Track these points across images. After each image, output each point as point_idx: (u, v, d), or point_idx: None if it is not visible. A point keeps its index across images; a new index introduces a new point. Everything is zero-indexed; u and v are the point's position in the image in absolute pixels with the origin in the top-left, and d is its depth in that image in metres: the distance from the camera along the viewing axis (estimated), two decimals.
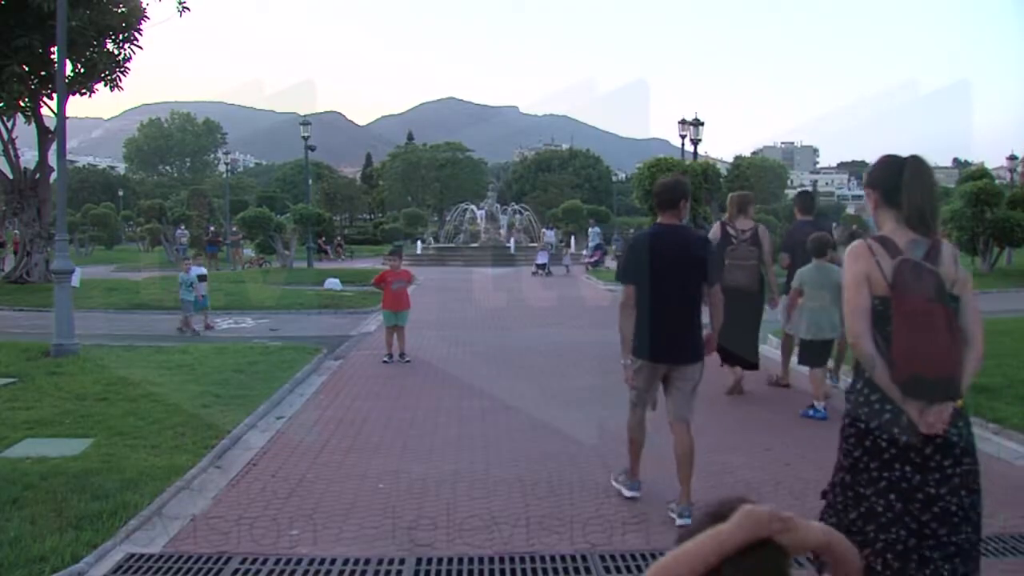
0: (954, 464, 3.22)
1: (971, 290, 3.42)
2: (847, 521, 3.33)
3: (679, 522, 5.08)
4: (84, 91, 22.66)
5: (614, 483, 5.79)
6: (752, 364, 9.08)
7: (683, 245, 5.29)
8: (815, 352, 8.35)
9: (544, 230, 40.51)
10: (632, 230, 39.69)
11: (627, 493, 5.64)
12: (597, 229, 37.84)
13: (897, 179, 3.46)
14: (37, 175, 23.42)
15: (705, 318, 5.46)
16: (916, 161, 3.47)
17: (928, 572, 3.18)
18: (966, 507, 3.21)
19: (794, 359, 9.13)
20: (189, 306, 14.94)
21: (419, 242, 46.42)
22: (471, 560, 4.68)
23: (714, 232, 8.98)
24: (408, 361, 11.28)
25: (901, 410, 3.24)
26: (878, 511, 3.28)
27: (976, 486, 3.26)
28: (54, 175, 21.53)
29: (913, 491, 3.22)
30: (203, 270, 15.91)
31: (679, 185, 5.42)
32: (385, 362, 11.25)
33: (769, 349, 11.07)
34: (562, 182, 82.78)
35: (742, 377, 9.03)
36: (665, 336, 5.22)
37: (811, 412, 8.11)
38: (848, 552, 1.74)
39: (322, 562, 4.64)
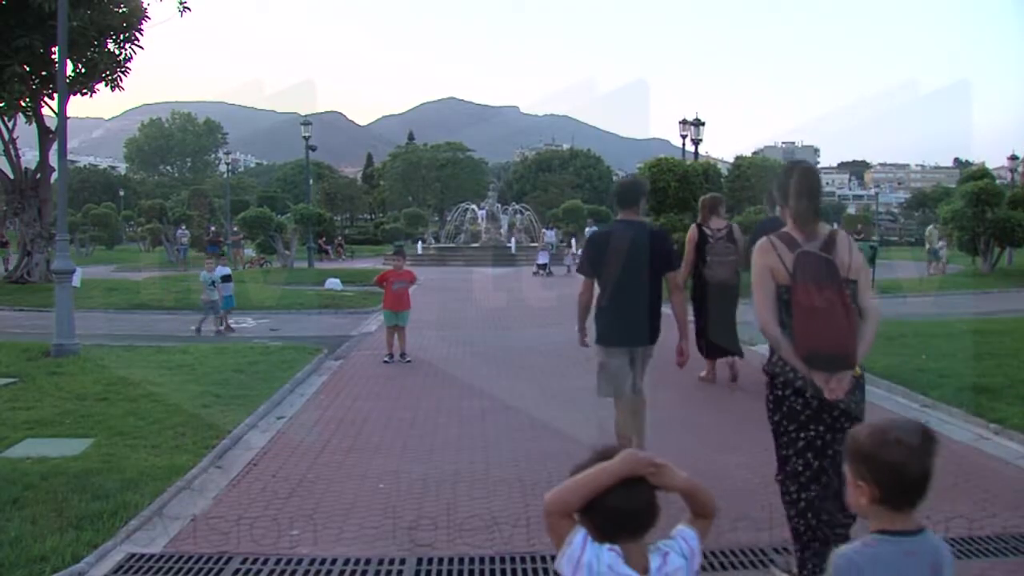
0: (854, 424, 3.53)
1: (865, 273, 3.99)
2: (791, 486, 3.89)
3: None
4: (85, 91, 22.69)
5: None
6: (737, 352, 9.35)
7: (643, 238, 5.73)
8: None
9: (544, 230, 40.49)
10: None
11: None
12: (595, 229, 37.69)
13: (789, 183, 4.03)
14: (38, 175, 23.44)
15: (690, 315, 5.66)
16: (801, 170, 4.11)
17: (838, 531, 3.73)
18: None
19: None
20: (213, 306, 14.78)
21: (420, 242, 46.43)
22: (472, 560, 4.68)
23: (691, 233, 9.42)
24: (409, 361, 11.28)
25: (809, 380, 3.78)
26: (799, 471, 3.91)
27: None
28: (55, 175, 21.54)
29: (825, 448, 3.85)
30: (228, 270, 15.74)
31: (637, 185, 5.99)
32: (386, 362, 11.24)
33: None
34: (563, 182, 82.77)
35: (733, 363, 9.40)
36: (631, 322, 5.69)
37: None
38: (708, 498, 2.20)
39: (323, 562, 4.64)
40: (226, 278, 15.12)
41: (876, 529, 2.26)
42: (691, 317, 8.90)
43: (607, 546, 2.04)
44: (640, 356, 5.90)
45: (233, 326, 15.26)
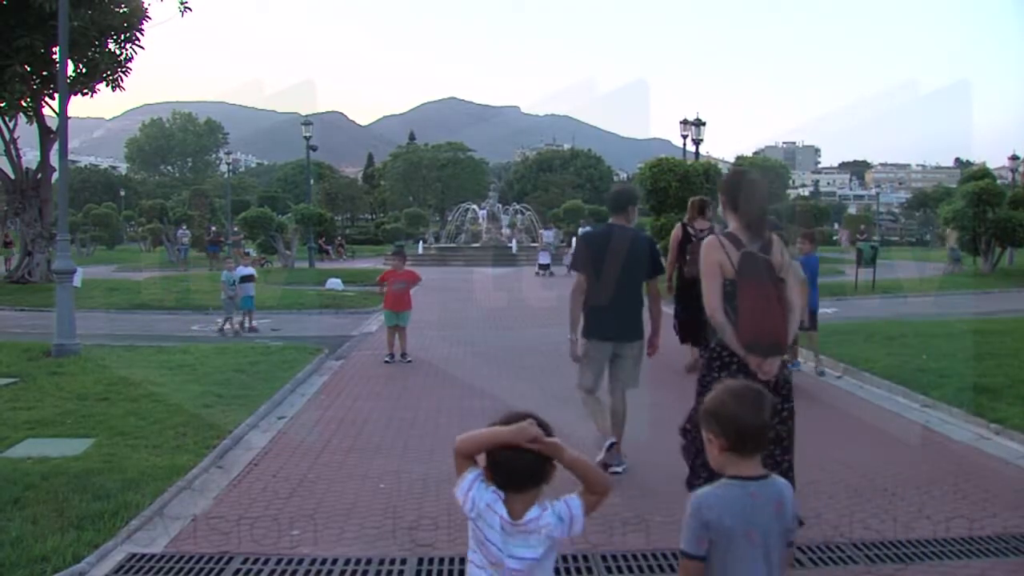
0: (782, 401, 4.40)
1: (794, 270, 4.67)
2: (701, 452, 3.84)
3: (612, 469, 6.02)
4: (86, 91, 22.70)
5: (613, 467, 6.16)
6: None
7: (631, 243, 6.12)
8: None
9: (542, 231, 40.40)
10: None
11: (616, 469, 6.16)
12: (588, 229, 37.16)
13: (736, 189, 4.57)
14: (39, 175, 23.44)
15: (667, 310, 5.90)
16: (750, 181, 4.62)
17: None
18: (789, 433, 4.50)
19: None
20: (231, 306, 14.74)
21: (421, 242, 46.41)
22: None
23: (676, 232, 10.06)
24: (409, 361, 11.28)
25: (744, 361, 4.39)
26: None
27: (792, 421, 4.53)
28: (56, 175, 21.56)
29: None
30: (250, 270, 15.51)
31: (628, 193, 6.47)
32: (387, 362, 11.25)
33: None
34: (563, 182, 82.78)
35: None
36: (613, 318, 6.05)
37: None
38: (597, 478, 2.60)
39: (323, 562, 4.64)
40: (247, 278, 14.96)
41: (727, 475, 2.67)
42: (672, 309, 9.99)
43: (492, 488, 2.51)
44: (626, 353, 6.25)
45: (256, 326, 15.04)
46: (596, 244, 6.24)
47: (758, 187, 4.62)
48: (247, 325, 14.90)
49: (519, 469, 2.49)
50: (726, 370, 4.42)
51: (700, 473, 4.39)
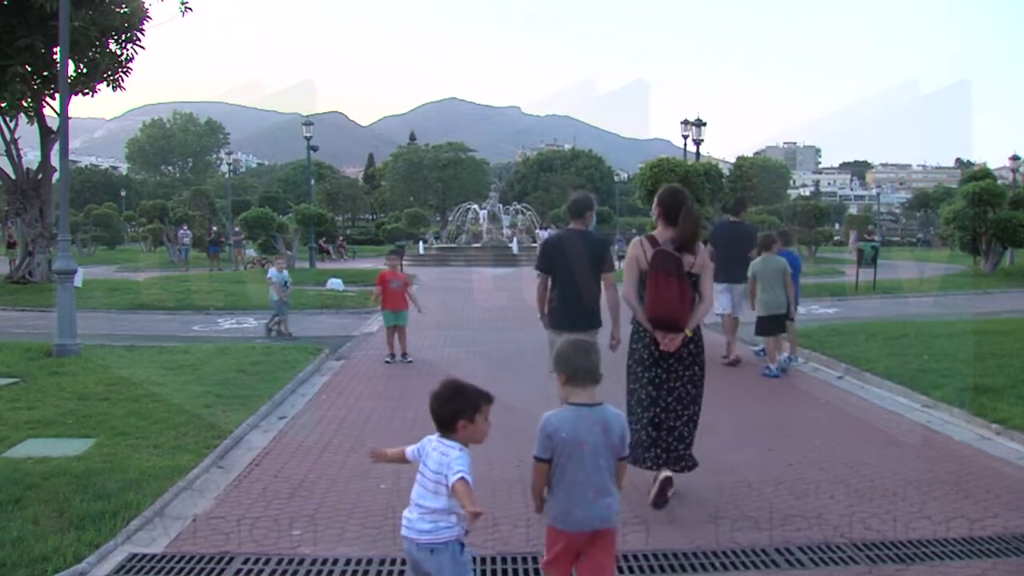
0: (685, 369, 5.58)
1: (708, 269, 5.68)
2: (636, 409, 5.60)
3: None
4: (86, 91, 22.67)
5: None
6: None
7: (587, 245, 6.78)
8: (770, 325, 10.33)
9: (538, 231, 40.30)
10: (634, 230, 39.54)
11: None
12: (544, 233, 35.31)
13: (675, 208, 5.60)
14: (39, 175, 23.41)
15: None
16: (688, 208, 5.60)
17: (673, 436, 5.57)
18: (692, 395, 5.63)
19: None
20: (282, 307, 14.04)
21: (422, 242, 46.41)
22: (474, 560, 4.67)
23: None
24: (410, 361, 11.29)
25: (652, 336, 5.54)
26: (643, 398, 5.60)
27: (699, 384, 5.66)
28: (56, 175, 21.55)
29: (662, 384, 5.57)
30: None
31: (587, 199, 7.03)
32: (387, 362, 11.28)
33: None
34: (564, 182, 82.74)
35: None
36: (574, 310, 6.74)
37: (766, 371, 10.22)
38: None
39: (324, 562, 4.64)
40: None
41: (568, 403, 3.62)
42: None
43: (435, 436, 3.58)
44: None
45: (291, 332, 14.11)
46: (554, 247, 6.99)
47: (694, 213, 5.68)
48: (285, 330, 14.22)
49: (439, 415, 3.56)
50: (640, 341, 5.66)
51: (633, 448, 5.11)
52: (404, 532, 3.48)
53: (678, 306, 5.42)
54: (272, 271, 14.44)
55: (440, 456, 3.47)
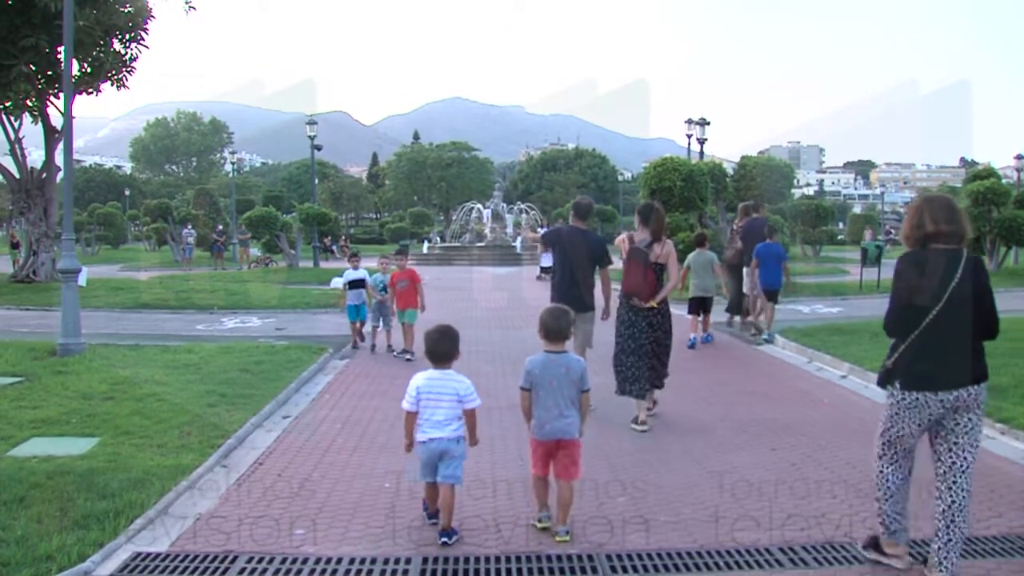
0: (658, 328, 7.83)
1: (673, 258, 7.84)
2: (621, 355, 7.86)
3: None
4: (91, 91, 22.73)
5: None
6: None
7: (585, 242, 8.38)
8: (697, 305, 12.95)
9: (540, 229, 40.13)
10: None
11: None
12: (548, 228, 31.83)
13: (646, 214, 7.90)
14: (44, 175, 23.47)
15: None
16: (656, 213, 7.89)
17: (651, 373, 7.81)
18: (665, 343, 7.96)
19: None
20: (386, 313, 12.24)
21: (425, 241, 46.37)
22: (477, 560, 4.68)
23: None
24: (408, 360, 11.29)
25: (631, 302, 7.78)
26: (629, 345, 7.80)
27: (669, 334, 8.00)
28: (60, 174, 21.58)
29: (642, 334, 7.77)
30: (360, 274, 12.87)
31: (591, 206, 8.80)
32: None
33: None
34: (568, 181, 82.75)
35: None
36: (573, 294, 8.12)
37: (690, 342, 12.53)
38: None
39: (328, 561, 4.65)
40: (359, 283, 12.50)
41: (544, 350, 5.16)
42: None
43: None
44: (580, 320, 8.07)
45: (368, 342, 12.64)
46: (558, 237, 8.60)
47: (662, 217, 8.00)
48: (362, 336, 12.75)
49: (436, 352, 5.09)
50: (624, 305, 7.93)
51: (621, 382, 7.91)
52: (433, 436, 4.93)
53: (642, 283, 7.73)
54: (376, 275, 12.52)
55: (455, 384, 4.98)
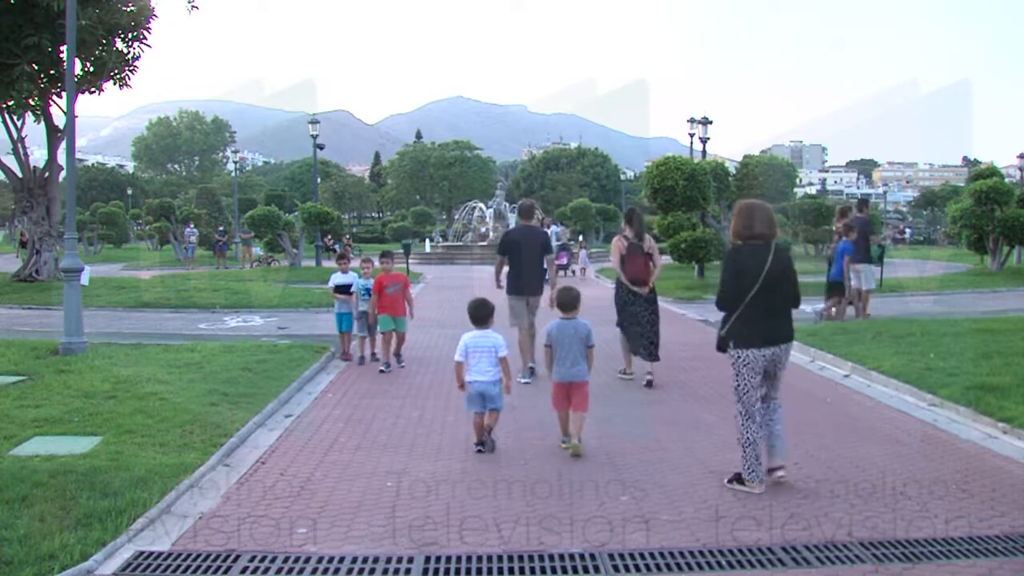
0: (648, 307, 9.80)
1: (655, 250, 9.86)
2: (625, 326, 9.98)
3: (523, 380, 9.80)
4: (93, 90, 22.73)
5: (519, 380, 9.65)
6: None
7: (534, 236, 10.56)
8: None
9: (553, 226, 39.92)
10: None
11: (523, 380, 9.77)
12: (556, 228, 33.70)
13: (630, 217, 10.01)
14: (46, 174, 23.48)
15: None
16: (638, 217, 9.99)
17: (645, 343, 9.72)
18: (654, 320, 9.83)
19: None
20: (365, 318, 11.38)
21: (428, 241, 46.36)
22: (480, 559, 4.68)
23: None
24: (402, 365, 11.01)
25: (629, 287, 9.78)
26: (626, 323, 9.92)
27: (657, 314, 9.89)
28: (63, 173, 21.58)
29: (638, 314, 9.77)
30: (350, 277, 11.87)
31: (533, 206, 11.25)
32: (383, 372, 10.64)
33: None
34: (570, 180, 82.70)
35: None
36: (525, 281, 10.30)
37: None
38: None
39: (330, 560, 4.65)
40: (346, 288, 11.62)
41: (559, 318, 7.00)
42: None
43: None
44: (533, 304, 10.42)
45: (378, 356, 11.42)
46: (511, 237, 10.68)
47: (642, 218, 10.11)
48: (372, 350, 11.67)
49: (478, 317, 6.97)
50: (620, 290, 9.89)
51: (629, 341, 9.99)
52: (477, 379, 6.72)
53: (644, 270, 9.70)
54: (352, 275, 11.72)
55: (494, 339, 6.83)
